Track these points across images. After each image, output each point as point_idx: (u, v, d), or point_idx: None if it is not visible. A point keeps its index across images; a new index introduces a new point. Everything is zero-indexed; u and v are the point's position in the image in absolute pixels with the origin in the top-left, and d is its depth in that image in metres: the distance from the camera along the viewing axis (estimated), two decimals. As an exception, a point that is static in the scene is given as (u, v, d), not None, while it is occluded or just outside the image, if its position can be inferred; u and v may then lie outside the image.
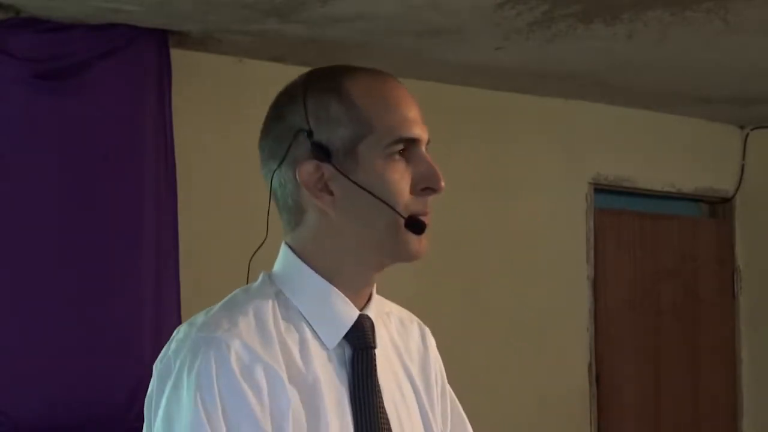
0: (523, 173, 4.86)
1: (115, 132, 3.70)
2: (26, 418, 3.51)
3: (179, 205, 3.82)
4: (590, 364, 4.98)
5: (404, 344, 1.53)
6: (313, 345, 1.38)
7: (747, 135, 5.47)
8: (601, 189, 5.10)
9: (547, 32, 3.88)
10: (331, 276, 1.41)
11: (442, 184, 1.40)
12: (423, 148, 1.42)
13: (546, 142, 4.92)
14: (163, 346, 1.42)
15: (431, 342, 1.58)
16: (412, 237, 1.39)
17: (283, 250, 1.45)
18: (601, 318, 5.06)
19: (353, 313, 1.41)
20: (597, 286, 5.05)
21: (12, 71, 3.60)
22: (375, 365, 1.41)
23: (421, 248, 1.40)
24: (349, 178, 1.37)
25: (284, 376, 1.33)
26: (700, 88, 4.77)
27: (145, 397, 1.40)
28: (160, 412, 1.32)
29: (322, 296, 1.40)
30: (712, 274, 5.43)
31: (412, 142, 1.40)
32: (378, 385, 1.41)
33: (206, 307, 1.43)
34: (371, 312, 1.44)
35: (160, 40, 3.80)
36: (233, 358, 1.31)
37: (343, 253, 1.40)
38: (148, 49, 3.78)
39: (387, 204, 1.37)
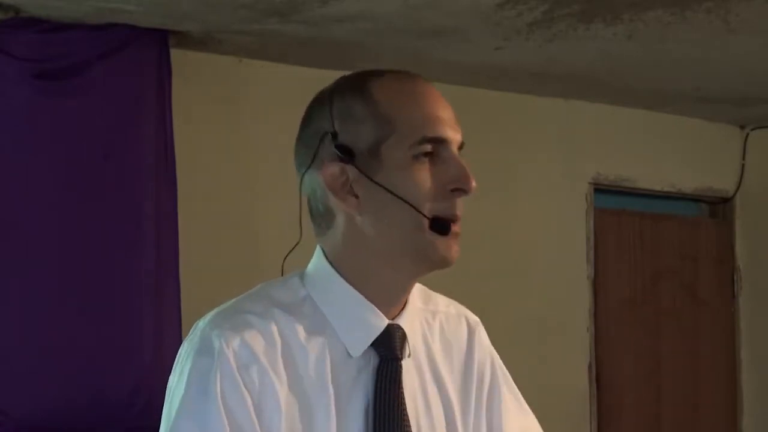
0: (523, 173, 4.86)
1: (115, 132, 3.70)
2: (26, 418, 3.50)
3: (179, 204, 3.82)
4: (590, 364, 4.98)
5: (445, 347, 1.49)
6: (336, 352, 1.36)
7: (747, 135, 5.47)
8: (601, 189, 5.10)
9: (547, 32, 3.88)
10: (360, 283, 1.38)
11: (473, 184, 1.36)
12: (453, 149, 1.37)
13: (546, 142, 4.91)
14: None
15: (479, 339, 1.53)
16: (438, 239, 1.34)
17: (318, 252, 1.42)
18: (601, 318, 5.06)
19: (381, 323, 1.37)
20: (597, 286, 5.05)
21: (12, 71, 3.60)
22: (401, 376, 1.38)
23: (451, 252, 1.36)
24: (371, 179, 1.33)
25: (278, 381, 1.32)
26: (700, 88, 4.77)
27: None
28: (168, 401, 1.33)
29: (350, 305, 1.37)
30: (712, 274, 5.43)
31: (439, 142, 1.36)
32: (402, 396, 1.38)
33: (206, 307, 1.42)
34: (404, 320, 1.40)
35: (160, 40, 3.80)
36: (231, 355, 1.30)
37: (372, 259, 1.37)
38: (148, 49, 3.77)
39: (410, 204, 1.33)
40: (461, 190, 1.36)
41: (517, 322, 4.74)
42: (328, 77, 4.97)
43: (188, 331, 1.40)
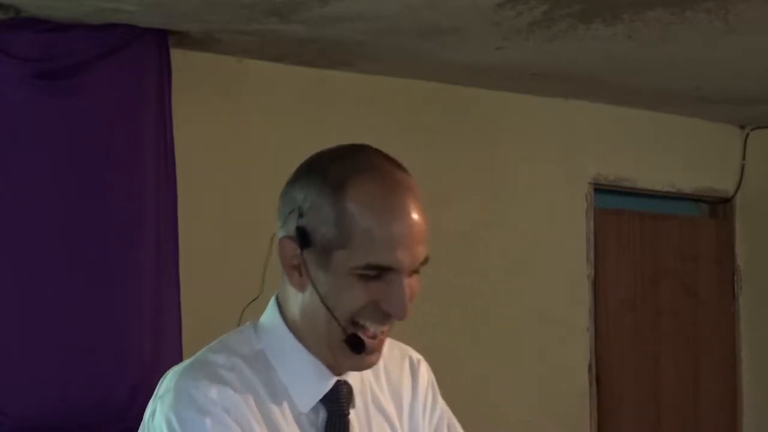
0: (523, 173, 4.86)
1: (115, 132, 3.70)
2: (26, 418, 3.51)
3: (179, 205, 3.82)
4: (590, 364, 4.97)
5: (391, 388, 1.54)
6: (287, 407, 1.40)
7: (747, 135, 5.47)
8: (601, 189, 5.10)
9: (547, 32, 3.88)
10: (311, 341, 1.43)
11: (406, 316, 1.38)
12: (401, 276, 1.37)
13: (546, 142, 4.91)
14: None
15: (422, 375, 1.58)
16: (350, 353, 1.39)
17: (272, 305, 1.47)
18: (601, 318, 5.06)
19: (329, 383, 1.43)
20: (597, 286, 5.05)
21: (12, 71, 3.60)
22: (348, 431, 1.43)
23: (360, 366, 1.42)
24: (308, 274, 1.38)
25: (258, 426, 1.35)
26: (700, 88, 4.77)
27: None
28: None
29: (299, 364, 1.42)
30: (712, 274, 5.43)
31: (386, 270, 1.36)
32: None
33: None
34: (351, 376, 1.45)
35: (160, 40, 3.80)
36: (214, 403, 1.34)
37: (314, 327, 1.42)
38: (148, 49, 3.77)
39: (333, 316, 1.38)
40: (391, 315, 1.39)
41: (517, 322, 4.74)
42: (328, 77, 4.99)
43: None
